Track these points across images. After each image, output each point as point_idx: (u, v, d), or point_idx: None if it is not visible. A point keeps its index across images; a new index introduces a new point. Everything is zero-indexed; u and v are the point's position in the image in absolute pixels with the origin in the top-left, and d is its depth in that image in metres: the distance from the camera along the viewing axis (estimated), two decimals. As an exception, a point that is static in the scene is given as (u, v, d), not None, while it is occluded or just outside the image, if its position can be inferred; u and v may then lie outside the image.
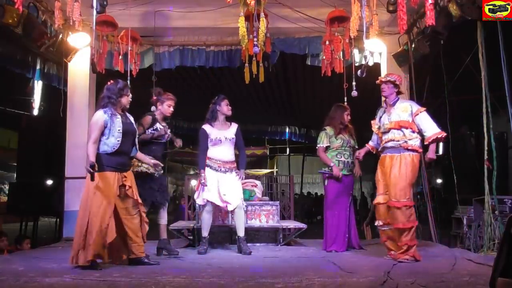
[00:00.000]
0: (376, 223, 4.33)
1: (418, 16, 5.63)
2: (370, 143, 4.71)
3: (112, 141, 3.75)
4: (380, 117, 4.45)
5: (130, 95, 3.97)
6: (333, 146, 5.00)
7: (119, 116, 3.83)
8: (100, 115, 3.77)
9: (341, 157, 5.00)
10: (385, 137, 4.33)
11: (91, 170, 3.56)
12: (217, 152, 4.73)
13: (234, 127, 4.90)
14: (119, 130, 3.77)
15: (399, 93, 4.37)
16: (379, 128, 4.47)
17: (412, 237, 4.11)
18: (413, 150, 4.17)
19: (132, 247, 3.84)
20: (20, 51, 6.41)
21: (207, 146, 4.74)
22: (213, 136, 4.76)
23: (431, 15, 4.07)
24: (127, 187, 3.79)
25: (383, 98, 4.54)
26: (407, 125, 4.19)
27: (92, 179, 3.58)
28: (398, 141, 4.19)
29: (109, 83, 3.95)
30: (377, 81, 4.41)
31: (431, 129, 4.14)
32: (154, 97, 4.70)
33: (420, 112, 4.19)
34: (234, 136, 4.82)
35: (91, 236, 3.58)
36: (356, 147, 5.12)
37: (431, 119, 4.20)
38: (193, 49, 6.62)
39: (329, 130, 5.02)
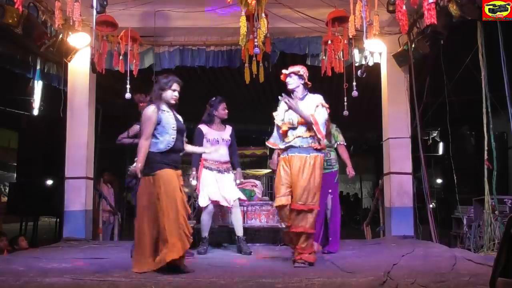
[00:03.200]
0: (280, 226, 4.08)
1: (418, 16, 5.63)
2: (272, 140, 4.26)
3: (167, 139, 3.59)
4: (286, 111, 4.05)
5: (176, 90, 3.72)
6: None
7: (171, 113, 3.67)
8: (153, 110, 3.58)
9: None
10: (292, 134, 3.99)
11: (138, 175, 3.46)
12: (214, 153, 4.74)
13: (229, 129, 5.01)
14: (173, 127, 3.61)
15: (306, 85, 4.09)
16: (283, 121, 4.07)
17: (310, 243, 3.92)
18: (319, 150, 3.97)
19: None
20: (20, 51, 6.41)
21: (201, 146, 4.75)
22: (211, 136, 4.80)
23: (431, 14, 4.06)
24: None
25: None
26: (313, 120, 3.92)
27: (136, 178, 3.47)
28: (307, 138, 3.93)
29: (159, 77, 3.81)
30: (281, 77, 4.14)
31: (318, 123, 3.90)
32: (142, 104, 4.59)
33: (322, 106, 3.97)
34: (229, 138, 4.94)
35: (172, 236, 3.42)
36: (340, 143, 4.98)
37: (323, 119, 3.96)
38: (193, 49, 6.61)
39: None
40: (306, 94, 4.08)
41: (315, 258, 3.97)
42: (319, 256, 4.49)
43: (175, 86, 3.71)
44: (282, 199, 3.96)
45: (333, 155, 4.92)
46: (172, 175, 3.56)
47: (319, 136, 3.90)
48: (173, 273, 3.40)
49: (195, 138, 4.82)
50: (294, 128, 3.98)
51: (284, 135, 4.05)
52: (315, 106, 3.95)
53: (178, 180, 3.61)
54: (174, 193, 3.51)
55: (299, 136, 3.95)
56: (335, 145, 4.96)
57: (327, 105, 4.04)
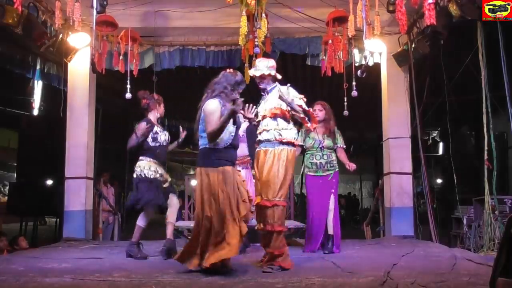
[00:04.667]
0: (256, 227, 3.89)
1: (418, 16, 5.63)
2: None
3: (227, 135, 3.47)
4: (260, 105, 3.97)
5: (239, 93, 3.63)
6: (306, 145, 4.85)
7: None
8: (217, 105, 3.44)
9: (313, 159, 4.81)
10: (259, 128, 3.89)
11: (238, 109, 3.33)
12: None
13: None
14: (233, 124, 3.50)
15: (274, 78, 3.92)
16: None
17: (280, 244, 3.67)
18: (288, 144, 3.77)
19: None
20: (20, 51, 6.42)
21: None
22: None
23: (430, 14, 4.06)
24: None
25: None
26: (280, 112, 3.78)
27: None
28: (271, 130, 3.77)
29: (227, 71, 3.68)
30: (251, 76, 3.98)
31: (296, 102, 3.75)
32: (145, 101, 4.61)
33: (295, 97, 3.79)
34: (244, 133, 4.79)
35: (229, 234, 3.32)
36: (340, 146, 4.89)
37: (296, 94, 3.80)
38: (193, 49, 6.61)
39: (304, 128, 4.85)
40: (274, 87, 3.92)
41: (290, 263, 3.70)
42: (320, 256, 4.49)
43: (241, 90, 3.65)
44: (257, 198, 3.84)
45: (334, 156, 4.89)
46: (232, 173, 3.45)
47: (305, 115, 3.74)
48: (214, 274, 3.35)
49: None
50: (260, 122, 3.89)
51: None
52: (278, 94, 3.79)
53: (239, 177, 3.54)
54: (234, 191, 3.40)
55: (264, 130, 3.84)
56: (335, 147, 4.89)
57: (300, 96, 3.87)
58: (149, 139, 4.49)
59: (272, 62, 3.96)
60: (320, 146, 4.80)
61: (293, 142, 3.83)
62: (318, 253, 4.64)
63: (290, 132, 3.81)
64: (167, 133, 4.68)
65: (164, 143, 4.59)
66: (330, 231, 4.70)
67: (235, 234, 3.32)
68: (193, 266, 3.49)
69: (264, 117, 3.86)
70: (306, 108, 3.81)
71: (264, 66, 3.88)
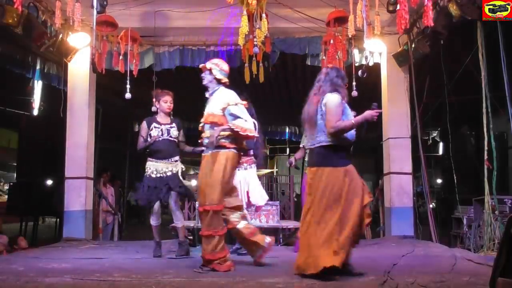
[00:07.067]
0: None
1: (418, 16, 5.62)
2: None
3: (351, 132, 3.35)
4: None
5: None
6: (304, 146, 4.86)
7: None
8: (340, 99, 3.32)
9: (306, 158, 4.76)
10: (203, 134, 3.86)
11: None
12: None
13: None
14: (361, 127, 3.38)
15: (218, 81, 3.84)
16: None
17: (212, 249, 3.57)
18: (221, 147, 3.67)
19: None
20: (20, 51, 6.42)
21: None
22: None
23: (429, 16, 4.05)
24: None
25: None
26: (217, 120, 3.69)
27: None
28: (207, 137, 3.72)
29: (330, 67, 3.63)
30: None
31: (241, 123, 3.63)
32: (154, 98, 4.74)
33: (234, 104, 3.68)
34: None
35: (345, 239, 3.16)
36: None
37: (244, 113, 3.68)
38: (193, 49, 6.61)
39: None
40: (217, 89, 3.85)
41: (227, 267, 3.61)
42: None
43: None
44: None
45: None
46: (356, 173, 3.32)
47: (247, 134, 3.63)
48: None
49: None
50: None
51: None
52: (221, 104, 3.70)
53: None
54: (357, 192, 3.26)
55: (206, 137, 3.79)
56: None
57: (241, 102, 3.75)
58: (149, 138, 4.52)
59: (225, 67, 3.90)
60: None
61: (227, 145, 3.70)
62: None
63: (223, 137, 3.68)
64: (164, 127, 4.59)
65: (159, 139, 4.53)
66: None
67: (348, 244, 3.20)
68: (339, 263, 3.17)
69: (204, 122, 3.83)
70: (243, 133, 3.66)
71: (215, 64, 3.86)
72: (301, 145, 5.05)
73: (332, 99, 3.32)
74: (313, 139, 3.38)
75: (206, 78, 3.87)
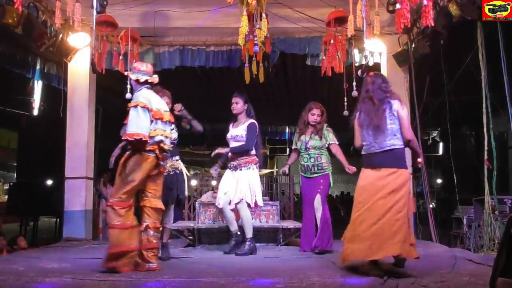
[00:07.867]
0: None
1: (418, 16, 5.62)
2: None
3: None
4: None
5: None
6: (298, 148, 4.90)
7: None
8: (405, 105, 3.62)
9: (301, 161, 4.86)
10: None
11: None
12: None
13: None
14: None
15: (138, 81, 3.78)
16: None
17: (112, 245, 3.52)
18: (137, 149, 3.65)
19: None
20: (20, 51, 6.42)
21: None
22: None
23: (429, 16, 4.04)
24: None
25: None
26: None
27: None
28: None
29: (373, 73, 3.75)
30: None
31: (128, 128, 3.59)
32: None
33: (131, 106, 3.62)
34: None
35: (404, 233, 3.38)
36: (332, 143, 4.81)
37: (138, 117, 3.57)
38: (193, 49, 6.61)
39: (298, 131, 4.97)
40: (138, 90, 3.77)
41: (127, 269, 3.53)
42: (320, 256, 4.49)
43: None
44: None
45: (324, 158, 4.80)
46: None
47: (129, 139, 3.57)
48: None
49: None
50: None
51: None
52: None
53: None
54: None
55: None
56: (327, 145, 4.83)
57: (140, 103, 3.63)
58: None
59: (143, 67, 3.83)
60: (306, 147, 4.80)
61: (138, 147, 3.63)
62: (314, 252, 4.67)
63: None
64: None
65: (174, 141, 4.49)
66: (318, 230, 4.72)
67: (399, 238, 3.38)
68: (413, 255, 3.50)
69: None
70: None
71: (133, 68, 3.85)
72: (293, 147, 5.05)
73: (403, 107, 3.57)
74: (380, 143, 3.54)
75: (131, 84, 3.95)
